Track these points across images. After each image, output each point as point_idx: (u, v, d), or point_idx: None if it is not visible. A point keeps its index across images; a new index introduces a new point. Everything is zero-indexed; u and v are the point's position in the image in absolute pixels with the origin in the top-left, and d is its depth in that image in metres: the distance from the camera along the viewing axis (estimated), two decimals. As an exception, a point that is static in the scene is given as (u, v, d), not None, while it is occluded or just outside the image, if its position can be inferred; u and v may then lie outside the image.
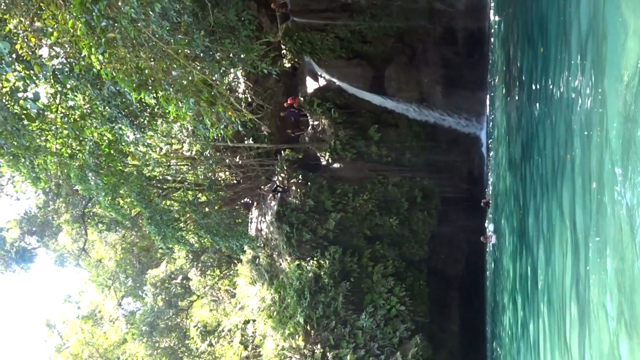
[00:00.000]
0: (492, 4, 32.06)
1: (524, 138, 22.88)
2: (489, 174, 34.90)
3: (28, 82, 18.76)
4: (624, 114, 11.59)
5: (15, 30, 17.36)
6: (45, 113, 20.71)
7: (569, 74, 15.74)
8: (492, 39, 32.82)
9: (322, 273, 33.89)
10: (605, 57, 12.77)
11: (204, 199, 38.45)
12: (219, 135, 21.57)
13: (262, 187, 39.07)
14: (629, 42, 11.35)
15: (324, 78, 38.66)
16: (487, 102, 34.91)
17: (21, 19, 16.85)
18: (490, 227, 32.74)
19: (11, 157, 21.53)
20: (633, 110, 11.10)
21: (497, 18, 31.47)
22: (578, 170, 14.97)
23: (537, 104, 20.00)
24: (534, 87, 20.78)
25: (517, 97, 24.29)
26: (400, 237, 36.28)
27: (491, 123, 33.98)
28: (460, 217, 37.38)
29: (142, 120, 23.13)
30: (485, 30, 34.29)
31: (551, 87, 17.83)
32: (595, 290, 13.53)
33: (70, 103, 21.42)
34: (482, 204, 34.38)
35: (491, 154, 34.26)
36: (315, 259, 34.41)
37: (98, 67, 16.86)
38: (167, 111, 19.24)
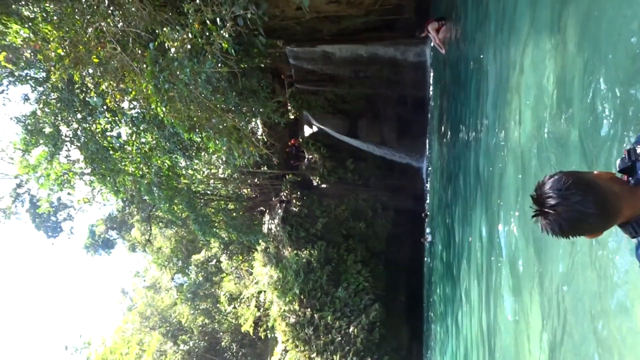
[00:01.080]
0: (431, 79, 32.40)
1: (449, 168, 23.08)
2: (427, 194, 35.01)
3: (114, 125, 18.94)
4: (520, 151, 11.78)
5: (106, 90, 17.57)
6: (125, 146, 20.87)
7: (480, 124, 15.98)
8: (431, 102, 33.15)
9: (312, 260, 33.82)
10: (507, 109, 13.01)
11: (232, 207, 38.48)
12: (244, 163, 21.79)
13: (272, 200, 39.11)
14: (526, 111, 11.50)
15: (317, 126, 38.90)
16: (427, 144, 35.12)
17: (110, 82, 17.07)
18: (427, 230, 32.78)
19: (100, 176, 21.64)
20: (525, 147, 11.30)
21: (434, 88, 31.85)
22: (485, 191, 15.17)
23: (459, 144, 20.23)
24: (456, 133, 21.00)
25: (445, 140, 24.52)
26: (366, 236, 36.27)
27: (429, 158, 34.16)
28: (407, 223, 37.28)
29: (191, 152, 23.29)
30: (426, 96, 34.61)
31: (468, 132, 18.08)
32: (493, 274, 13.64)
33: (142, 140, 21.57)
34: (422, 215, 34.43)
35: (429, 179, 34.39)
36: (308, 249, 34.36)
37: (162, 116, 17.05)
38: (208, 147, 19.42)
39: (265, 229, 40.21)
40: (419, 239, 34.75)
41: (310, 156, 38.97)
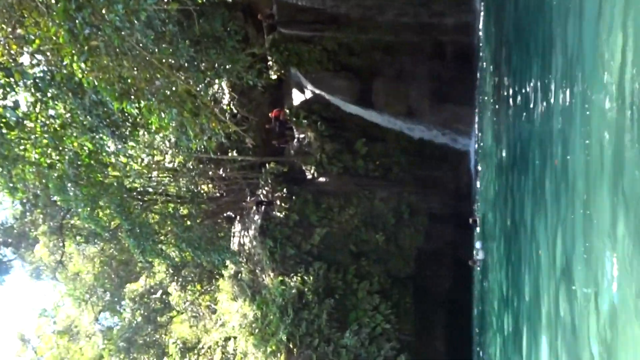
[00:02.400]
0: (482, 20, 32.38)
1: (513, 154, 23.09)
2: (477, 191, 35.06)
3: (8, 90, 18.84)
4: (615, 127, 11.77)
5: (-5, 37, 17.41)
6: (25, 122, 20.71)
7: (557, 88, 15.96)
8: (481, 54, 33.12)
9: (305, 289, 33.84)
10: (593, 70, 12.99)
11: (185, 211, 38.36)
12: (202, 147, 21.65)
13: (246, 200, 39.06)
14: (617, 55, 11.55)
15: (311, 90, 38.80)
16: (476, 118, 35.11)
17: (2, 25, 16.92)
18: (477, 245, 32.87)
19: (-14, 166, 21.49)
20: (623, 125, 11.29)
21: (486, 34, 31.80)
22: (567, 189, 15.15)
23: (527, 120, 20.24)
24: (522, 102, 21.04)
25: (505, 112, 24.55)
26: (386, 253, 36.29)
27: (479, 138, 34.19)
28: (447, 234, 37.38)
29: (123, 130, 23.16)
30: (474, 46, 34.57)
31: (540, 102, 18.08)
32: (584, 312, 13.68)
33: (51, 112, 21.44)
34: (469, 221, 34.50)
35: (479, 170, 34.45)
36: (299, 274, 34.39)
37: (80, 76, 16.95)
38: (150, 121, 19.36)
39: (235, 244, 40.17)
40: (465, 258, 34.89)
41: (302, 135, 38.96)
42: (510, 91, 23.35)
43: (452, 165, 37.74)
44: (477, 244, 33.12)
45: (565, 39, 15.24)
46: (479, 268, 33.46)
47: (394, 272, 36.46)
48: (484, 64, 32.14)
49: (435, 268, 38.27)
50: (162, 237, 33.41)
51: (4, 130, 20.07)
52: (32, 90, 19.64)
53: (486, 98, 31.18)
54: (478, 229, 33.98)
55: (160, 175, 38.82)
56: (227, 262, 37.62)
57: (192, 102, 18.84)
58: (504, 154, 25.10)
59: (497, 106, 27.06)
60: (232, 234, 41.41)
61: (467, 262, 34.42)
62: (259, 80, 24.30)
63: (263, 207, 36.64)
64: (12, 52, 17.67)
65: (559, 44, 15.69)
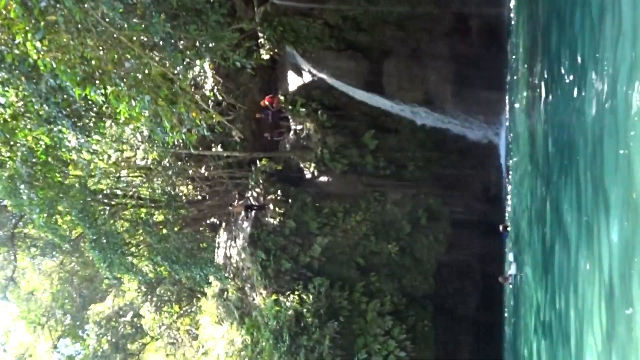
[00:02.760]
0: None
1: (553, 148, 22.94)
2: (509, 192, 34.97)
3: (-52, 73, 18.73)
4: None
5: None
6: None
7: (611, 68, 15.73)
8: (512, 28, 33.01)
9: (304, 310, 33.74)
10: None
11: (160, 218, 38.31)
12: (181, 141, 21.50)
13: (233, 204, 38.95)
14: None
15: (310, 73, 38.70)
16: (507, 105, 35.03)
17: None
18: (509, 257, 32.78)
19: None
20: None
21: (518, 3, 31.70)
22: (621, 187, 14.98)
23: (571, 107, 20.05)
24: (565, 86, 20.87)
25: (543, 99, 24.42)
26: (401, 267, 36.22)
27: (511, 130, 34.09)
28: (473, 243, 37.34)
29: (86, 121, 23.08)
30: (503, 18, 34.50)
31: (588, 85, 17.90)
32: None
33: (0, 100, 21.33)
34: (500, 228, 34.38)
35: (511, 167, 34.36)
36: (296, 293, 34.29)
37: (35, 57, 16.81)
38: (118, 111, 19.20)
39: (219, 256, 40.12)
40: (494, 268, 34.80)
41: (299, 126, 38.87)
42: (550, 72, 23.21)
43: (478, 162, 37.67)
44: (509, 256, 33.05)
45: (620, 3, 15.05)
46: (511, 285, 33.35)
47: (410, 290, 36.39)
48: (516, 39, 32.04)
49: (459, 284, 38.22)
50: (133, 249, 33.38)
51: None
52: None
53: (519, 81, 31.07)
54: (510, 238, 33.88)
55: (131, 174, 38.76)
56: (211, 278, 37.59)
57: (169, 87, 18.71)
58: (541, 148, 24.95)
59: (533, 91, 26.94)
60: (216, 245, 41.32)
61: (497, 277, 34.31)
62: (248, 61, 24.11)
63: (253, 212, 36.52)
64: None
65: (615, 12, 15.47)
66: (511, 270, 32.60)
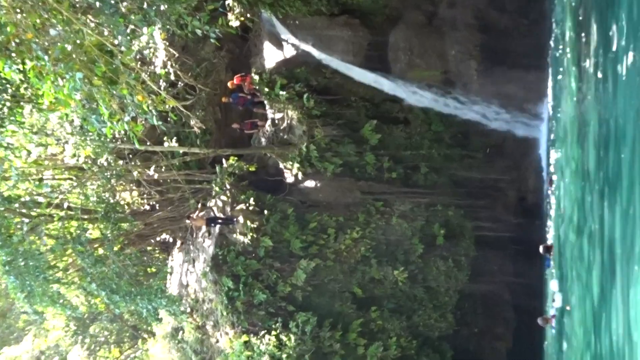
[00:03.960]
0: None
1: (610, 145, 22.85)
2: (552, 201, 34.90)
3: None
4: None
5: None
6: None
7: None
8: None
9: (284, 356, 33.68)
10: None
11: (96, 234, 38.10)
12: (123, 132, 21.30)
13: (191, 216, 38.75)
14: None
15: (293, 45, 38.69)
16: (550, 88, 34.98)
17: None
18: (552, 286, 32.65)
19: None
20: None
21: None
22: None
23: (635, 94, 19.97)
24: (629, 65, 20.78)
25: (600, 81, 24.33)
26: (411, 299, 36.27)
27: (555, 121, 34.05)
28: (505, 269, 37.43)
29: (-1, 106, 22.90)
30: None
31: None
32: None
33: None
34: (540, 249, 34.30)
35: (554, 168, 34.30)
36: (273, 333, 34.20)
37: None
38: (41, 93, 19.03)
39: (173, 284, 40.01)
40: (532, 308, 34.59)
41: (279, 115, 38.75)
42: (610, 46, 23.11)
43: (512, 162, 37.77)
44: (552, 285, 32.91)
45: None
46: (554, 329, 33.12)
47: (422, 329, 36.42)
48: (563, 3, 32.00)
49: (486, 322, 38.30)
50: (59, 274, 33.11)
51: None
52: None
53: (567, 58, 31.02)
54: (553, 262, 33.77)
55: (58, 176, 38.54)
56: (161, 313, 37.38)
57: (107, 62, 18.53)
58: (596, 145, 24.85)
59: (585, 70, 26.83)
60: (168, 269, 41.15)
61: (535, 316, 34.21)
62: (211, 29, 23.93)
63: (218, 227, 36.39)
64: None
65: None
66: (555, 303, 32.38)
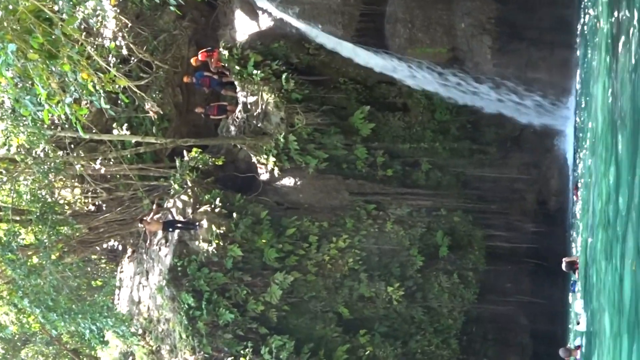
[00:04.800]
0: None
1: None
2: (578, 207, 34.89)
3: None
4: None
5: None
6: None
7: None
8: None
9: (256, 392, 33.75)
10: None
11: (30, 238, 37.99)
12: (64, 117, 21.23)
13: (144, 219, 38.67)
14: None
15: (269, 14, 38.62)
16: (578, 70, 35.04)
17: None
18: (577, 307, 32.65)
19: None
20: None
21: None
22: None
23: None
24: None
25: (638, 62, 24.37)
26: (407, 321, 36.33)
27: (585, 109, 34.06)
28: (521, 286, 37.48)
29: None
30: None
31: None
32: None
33: None
34: (563, 265, 34.27)
35: (582, 166, 34.27)
36: (242, 359, 34.13)
37: None
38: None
39: (123, 300, 39.85)
40: (553, 335, 34.58)
41: (252, 98, 38.66)
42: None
43: (531, 158, 37.86)
44: (577, 306, 32.88)
45: None
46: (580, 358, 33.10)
47: (421, 357, 36.43)
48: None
49: (498, 350, 38.37)
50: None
51: None
52: None
53: (600, 33, 31.03)
54: (578, 280, 33.77)
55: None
56: (108, 335, 37.27)
57: (45, 32, 18.46)
58: (632, 140, 24.90)
59: (623, 49, 26.87)
60: (117, 283, 41.06)
61: (557, 345, 34.20)
62: (173, -4, 23.94)
63: (177, 232, 36.30)
64: None
65: None
66: (579, 326, 32.37)
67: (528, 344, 37.97)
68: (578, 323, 32.15)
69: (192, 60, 38.38)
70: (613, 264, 27.23)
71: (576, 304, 32.86)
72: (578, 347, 32.05)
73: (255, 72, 37.12)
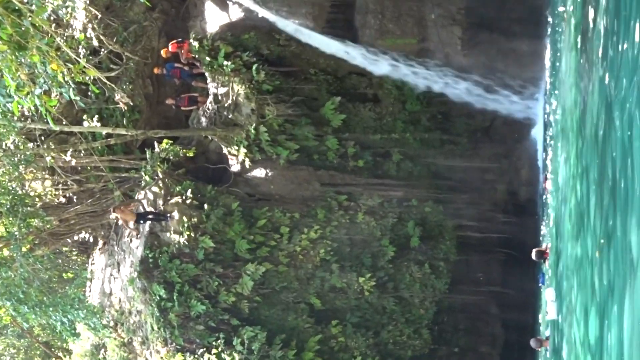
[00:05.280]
0: None
1: (619, 130, 22.95)
2: (548, 197, 34.99)
3: None
4: None
5: None
6: None
7: None
8: None
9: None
10: None
11: (0, 231, 37.80)
12: (33, 109, 21.13)
13: (120, 207, 38.51)
14: None
15: (241, 6, 38.52)
16: (547, 60, 35.09)
17: None
18: (548, 296, 32.70)
19: None
20: None
21: None
22: None
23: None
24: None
25: (610, 53, 24.43)
26: (379, 312, 36.37)
27: (555, 100, 34.15)
28: (492, 276, 37.58)
29: None
30: None
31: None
32: None
33: None
34: (533, 254, 34.31)
35: (552, 157, 34.36)
36: (214, 351, 34.17)
37: None
38: None
39: (94, 292, 39.83)
40: (523, 324, 34.68)
41: (223, 89, 38.57)
42: (620, 11, 23.23)
43: (502, 149, 37.94)
44: (548, 294, 32.89)
45: None
46: (549, 352, 33.14)
47: (392, 347, 36.52)
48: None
49: (469, 339, 38.44)
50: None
51: None
52: None
53: (569, 25, 31.12)
54: (548, 268, 33.86)
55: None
56: (79, 327, 37.14)
57: (15, 23, 18.37)
58: (601, 129, 24.96)
59: (592, 40, 26.95)
60: (88, 275, 40.91)
61: (527, 336, 34.31)
62: (142, -15, 23.92)
63: (148, 223, 36.18)
64: None
65: None
66: (549, 315, 32.38)
67: (499, 334, 38.08)
68: (547, 313, 32.21)
69: (163, 52, 38.22)
70: (581, 251, 27.34)
71: (547, 292, 32.90)
72: (548, 338, 32.16)
73: (225, 63, 37.03)
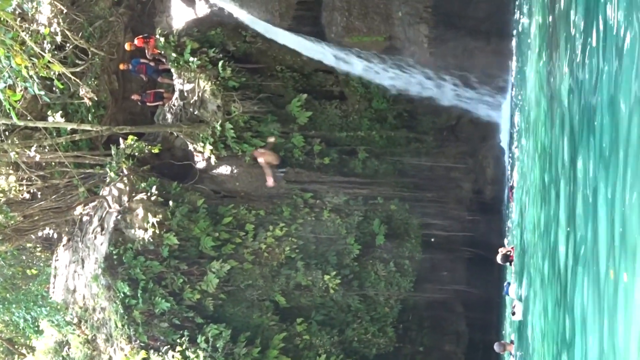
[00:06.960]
0: None
1: (584, 130, 22.91)
2: (514, 195, 34.98)
3: None
4: None
5: None
6: None
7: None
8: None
9: (192, 378, 33.52)
10: None
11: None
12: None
13: (80, 206, 38.26)
14: None
15: (206, 2, 38.48)
16: (514, 59, 35.09)
17: None
18: (512, 294, 32.67)
19: None
20: None
21: None
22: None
23: (621, 69, 19.94)
24: (612, 32, 20.77)
25: (578, 52, 24.37)
26: (344, 310, 36.37)
27: (521, 99, 34.15)
28: (457, 275, 37.60)
29: None
30: None
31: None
32: None
33: None
34: (499, 258, 34.21)
35: (518, 155, 34.36)
36: (178, 348, 34.00)
37: None
38: None
39: (58, 289, 39.54)
40: (487, 324, 34.67)
41: (189, 86, 38.43)
42: (585, 14, 23.20)
43: (467, 147, 37.97)
44: (512, 291, 32.85)
45: None
46: (512, 356, 33.07)
47: (357, 346, 36.50)
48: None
49: (434, 338, 38.45)
50: None
51: None
52: None
53: (537, 23, 31.12)
54: (513, 270, 33.79)
55: None
56: (43, 324, 36.91)
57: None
58: (568, 129, 24.94)
59: (558, 39, 26.94)
60: (52, 271, 40.66)
61: (491, 337, 34.35)
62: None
63: (113, 220, 35.96)
64: None
65: None
66: (515, 316, 32.37)
67: (464, 332, 38.08)
68: (514, 314, 32.12)
69: (127, 45, 38.05)
70: (554, 254, 27.30)
71: (511, 289, 32.83)
72: (512, 342, 32.16)
73: (191, 59, 36.89)
